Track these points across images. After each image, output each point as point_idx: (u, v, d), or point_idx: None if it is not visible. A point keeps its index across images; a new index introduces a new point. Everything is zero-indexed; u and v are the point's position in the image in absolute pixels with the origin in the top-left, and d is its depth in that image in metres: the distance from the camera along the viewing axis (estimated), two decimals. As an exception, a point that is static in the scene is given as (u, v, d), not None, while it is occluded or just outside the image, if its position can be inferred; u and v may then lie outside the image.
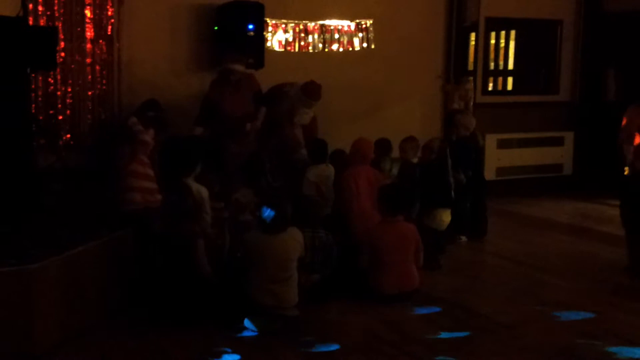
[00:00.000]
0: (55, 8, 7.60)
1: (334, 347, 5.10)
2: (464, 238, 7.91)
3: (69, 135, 7.83)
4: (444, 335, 5.35)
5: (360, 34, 8.80)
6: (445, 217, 7.35)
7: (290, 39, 8.53)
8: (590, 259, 7.44)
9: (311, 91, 8.02)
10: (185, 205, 5.57)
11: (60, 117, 7.76)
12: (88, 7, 7.79)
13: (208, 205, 5.98)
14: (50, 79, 7.65)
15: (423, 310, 5.84)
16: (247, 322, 5.38)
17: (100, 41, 7.90)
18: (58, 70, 7.49)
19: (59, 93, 7.73)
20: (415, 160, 7.68)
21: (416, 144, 7.72)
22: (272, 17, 8.46)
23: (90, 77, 7.89)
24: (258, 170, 6.61)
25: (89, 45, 7.84)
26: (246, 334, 5.32)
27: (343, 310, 5.81)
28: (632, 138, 6.63)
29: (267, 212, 5.41)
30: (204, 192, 5.97)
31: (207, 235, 5.84)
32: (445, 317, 5.74)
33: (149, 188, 6.22)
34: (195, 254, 5.49)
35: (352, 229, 6.70)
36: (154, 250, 5.70)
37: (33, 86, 7.32)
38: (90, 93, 7.91)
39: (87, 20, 7.80)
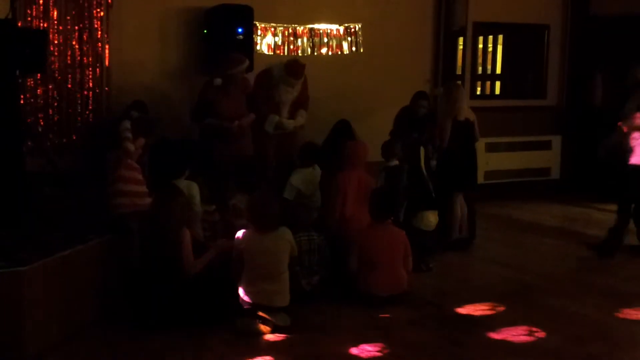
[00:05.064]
0: (45, 10, 7.57)
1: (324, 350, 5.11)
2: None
3: (58, 139, 7.80)
4: (432, 338, 5.36)
5: (349, 38, 8.85)
6: (433, 218, 7.39)
7: (280, 43, 8.58)
8: (578, 262, 7.50)
9: (291, 70, 7.83)
10: (175, 210, 5.56)
11: (50, 120, 7.74)
12: (77, 10, 7.76)
13: (198, 200, 6.02)
14: (39, 82, 7.61)
15: (411, 313, 5.86)
16: (238, 324, 5.39)
17: (90, 44, 7.88)
18: (47, 72, 7.45)
19: (48, 96, 7.70)
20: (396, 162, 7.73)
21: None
22: (261, 21, 8.50)
23: (79, 80, 7.88)
24: (252, 175, 6.61)
25: (77, 48, 7.82)
26: (237, 335, 5.31)
27: (333, 312, 5.83)
28: None
29: None
30: (194, 188, 6.00)
31: (195, 234, 5.85)
32: (434, 320, 5.76)
33: (138, 192, 6.20)
34: (181, 248, 5.46)
35: (341, 232, 6.69)
36: (142, 253, 5.68)
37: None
38: (79, 96, 7.89)
39: (76, 23, 7.78)
